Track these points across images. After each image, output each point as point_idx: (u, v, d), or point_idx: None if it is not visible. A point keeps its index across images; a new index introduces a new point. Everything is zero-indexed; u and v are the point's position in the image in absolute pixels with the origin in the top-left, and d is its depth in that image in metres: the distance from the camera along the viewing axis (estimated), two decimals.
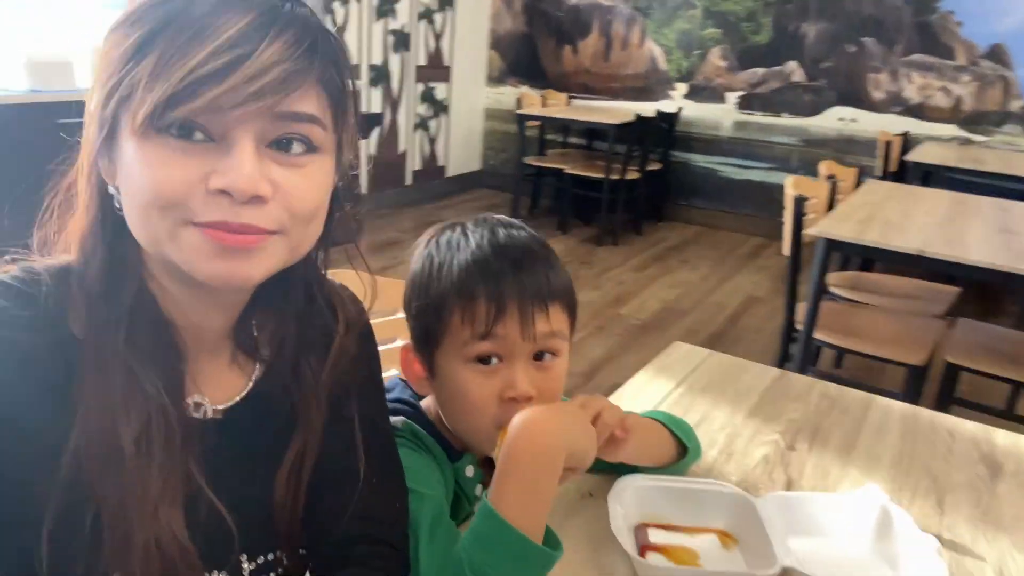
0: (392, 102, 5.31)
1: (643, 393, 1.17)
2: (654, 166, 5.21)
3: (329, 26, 4.11)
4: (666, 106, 5.36)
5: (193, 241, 0.54)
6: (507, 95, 6.07)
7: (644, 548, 0.80)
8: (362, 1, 4.83)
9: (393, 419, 0.81)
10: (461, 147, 6.12)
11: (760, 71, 5.19)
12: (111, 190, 0.58)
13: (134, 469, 0.56)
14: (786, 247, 2.52)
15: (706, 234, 5.37)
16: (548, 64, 5.91)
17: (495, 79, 6.18)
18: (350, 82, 0.60)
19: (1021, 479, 1.01)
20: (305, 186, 0.56)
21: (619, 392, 1.17)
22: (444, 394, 0.81)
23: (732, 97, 5.30)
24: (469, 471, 0.83)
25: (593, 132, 5.64)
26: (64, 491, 0.54)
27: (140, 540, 0.56)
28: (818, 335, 2.39)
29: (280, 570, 0.68)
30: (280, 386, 0.68)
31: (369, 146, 5.17)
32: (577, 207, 5.26)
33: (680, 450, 0.91)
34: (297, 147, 0.56)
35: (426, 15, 5.43)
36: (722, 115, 5.36)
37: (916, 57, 4.70)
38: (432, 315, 0.78)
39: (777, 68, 5.12)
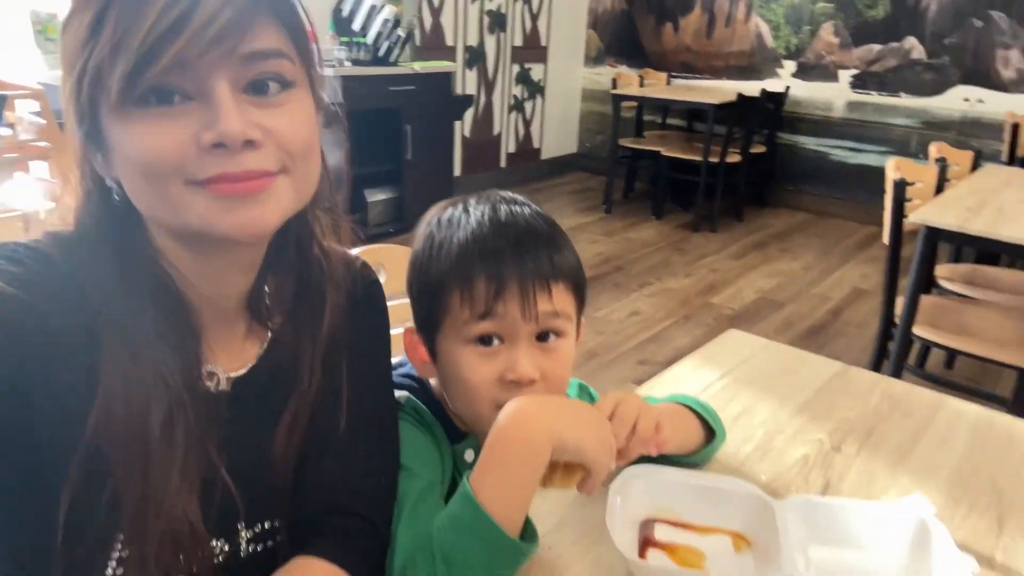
0: (487, 84, 5.32)
1: (685, 380, 1.11)
2: (758, 149, 4.97)
3: (426, 8, 4.15)
4: (773, 85, 5.10)
5: (202, 201, 0.55)
6: (605, 75, 5.95)
7: (647, 543, 0.75)
8: None
9: (397, 393, 0.80)
10: (557, 129, 6.07)
11: (876, 47, 4.83)
12: (109, 183, 0.59)
13: (158, 457, 0.57)
14: (886, 235, 2.33)
15: (813, 222, 5.09)
16: (648, 43, 5.74)
17: (593, 59, 6.07)
18: (304, 15, 0.60)
19: None
20: (291, 122, 0.58)
21: (659, 378, 1.12)
22: (446, 377, 0.79)
23: (845, 76, 4.97)
24: (469, 455, 0.81)
25: (693, 113, 5.45)
26: (85, 460, 0.56)
27: (156, 527, 0.57)
28: (921, 332, 2.21)
29: (277, 538, 0.68)
30: (287, 350, 0.69)
31: (464, 128, 5.20)
32: (674, 191, 5.10)
33: (707, 435, 0.86)
34: (273, 87, 0.57)
35: None
36: (834, 95, 5.04)
37: None
38: (432, 297, 0.76)
39: (895, 44, 4.76)
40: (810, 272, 4.12)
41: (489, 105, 5.39)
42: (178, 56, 0.51)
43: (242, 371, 0.68)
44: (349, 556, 0.63)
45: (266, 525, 0.68)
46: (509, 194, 0.81)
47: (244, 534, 0.67)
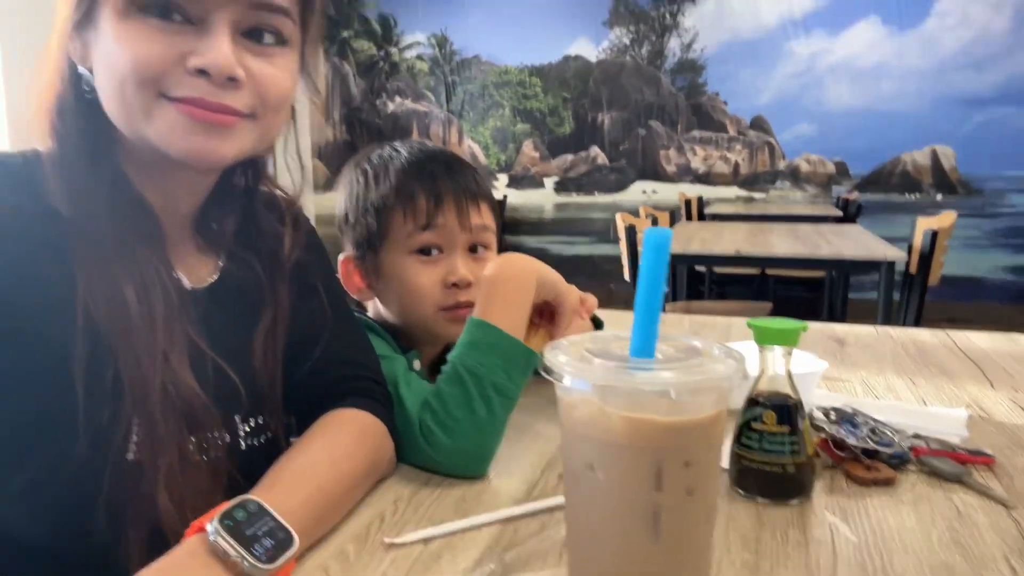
0: None
1: None
2: None
3: None
4: (493, 196, 5.72)
5: (169, 117, 0.57)
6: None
7: None
8: None
9: None
10: None
11: (569, 157, 5.73)
12: (81, 71, 0.61)
13: (140, 322, 0.59)
14: (627, 273, 2.78)
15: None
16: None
17: (323, 187, 6.29)
18: None
19: (860, 345, 1.22)
20: (276, 75, 0.61)
21: None
22: (390, 289, 0.87)
23: (549, 182, 5.79)
24: (416, 365, 0.89)
25: None
26: (84, 341, 0.56)
27: (155, 384, 0.58)
28: None
29: (268, 435, 0.70)
30: (246, 271, 0.72)
31: None
32: None
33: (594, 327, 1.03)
34: (268, 38, 0.60)
35: None
36: (543, 199, 5.81)
37: (695, 133, 5.44)
38: (374, 217, 0.86)
39: (583, 153, 5.69)
40: None
41: None
42: None
43: (200, 287, 0.70)
44: (372, 404, 0.68)
45: (260, 420, 0.70)
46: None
47: (242, 427, 0.68)
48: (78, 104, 0.61)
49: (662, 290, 0.42)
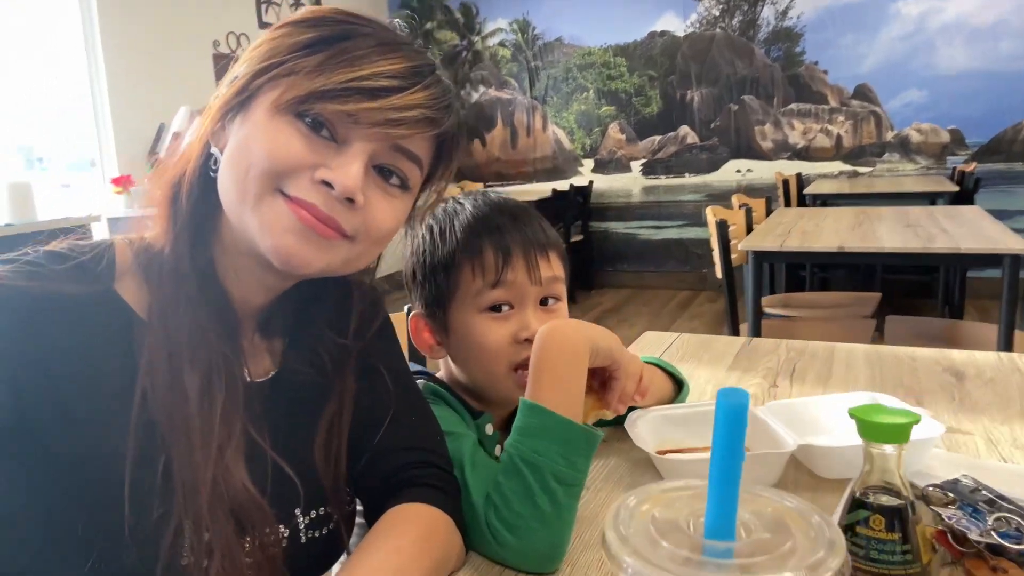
0: None
1: None
2: (576, 237, 5.41)
3: None
4: (578, 181, 5.64)
5: (277, 209, 0.58)
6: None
7: None
8: None
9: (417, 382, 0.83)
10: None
11: (657, 138, 5.56)
12: (213, 151, 0.62)
13: (198, 416, 0.58)
14: (719, 270, 2.66)
15: (637, 295, 5.55)
16: (460, 159, 6.14)
17: None
18: (456, 151, 0.68)
19: (983, 379, 1.09)
20: (389, 212, 0.62)
21: None
22: (460, 347, 0.84)
23: (636, 166, 5.64)
24: (488, 429, 0.85)
25: None
26: (137, 432, 0.56)
27: (206, 479, 0.57)
28: None
29: (331, 526, 0.69)
30: (309, 360, 0.70)
31: None
32: None
33: (676, 388, 0.96)
34: (395, 179, 0.62)
35: None
36: (630, 183, 5.67)
37: (793, 106, 5.15)
38: (442, 274, 0.82)
39: (672, 134, 5.51)
40: None
41: None
42: (358, 114, 0.57)
43: (265, 377, 0.69)
44: (437, 496, 0.65)
45: (320, 511, 0.68)
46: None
47: (303, 519, 0.67)
48: (201, 180, 0.62)
49: (741, 459, 0.36)
